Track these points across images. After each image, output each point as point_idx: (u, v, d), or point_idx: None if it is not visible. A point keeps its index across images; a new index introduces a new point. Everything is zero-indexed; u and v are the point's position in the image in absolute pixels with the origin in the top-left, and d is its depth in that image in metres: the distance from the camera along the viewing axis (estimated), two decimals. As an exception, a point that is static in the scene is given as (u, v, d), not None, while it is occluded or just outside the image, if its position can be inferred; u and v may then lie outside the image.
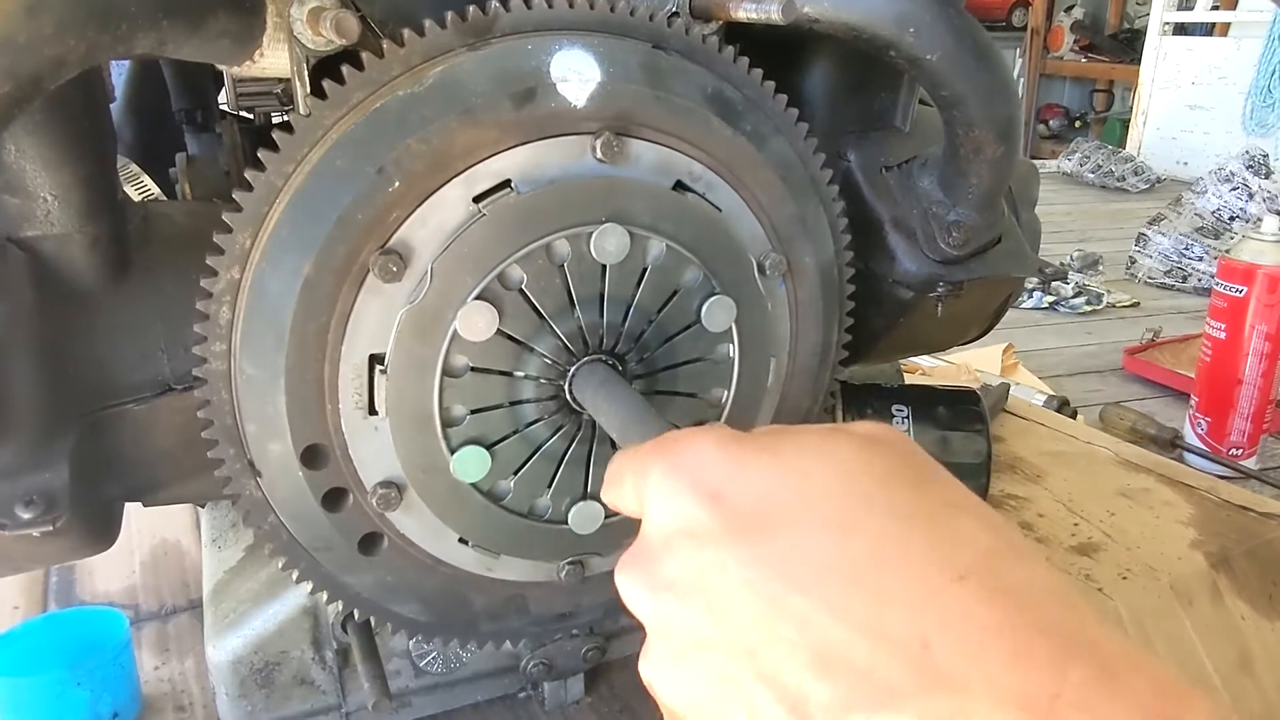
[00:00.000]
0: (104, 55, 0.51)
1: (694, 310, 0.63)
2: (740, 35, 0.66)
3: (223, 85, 0.97)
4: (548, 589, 0.69)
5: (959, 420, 0.85)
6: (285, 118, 0.95)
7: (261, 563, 0.79)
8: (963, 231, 0.79)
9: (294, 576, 0.62)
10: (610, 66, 0.57)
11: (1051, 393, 2.11)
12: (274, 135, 0.54)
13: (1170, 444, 2.07)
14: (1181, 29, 5.79)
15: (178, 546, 1.12)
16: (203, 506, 0.95)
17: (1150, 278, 3.45)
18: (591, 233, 0.57)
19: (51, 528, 0.54)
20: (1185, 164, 5.45)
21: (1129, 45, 7.00)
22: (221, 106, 0.95)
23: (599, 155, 0.57)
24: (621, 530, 0.67)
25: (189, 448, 0.63)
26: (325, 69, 0.56)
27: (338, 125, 0.54)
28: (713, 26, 0.65)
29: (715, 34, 0.64)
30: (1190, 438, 2.10)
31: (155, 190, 0.85)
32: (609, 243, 0.58)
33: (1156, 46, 5.78)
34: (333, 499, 0.59)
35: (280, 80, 0.73)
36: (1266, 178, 3.72)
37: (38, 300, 0.58)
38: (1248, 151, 3.85)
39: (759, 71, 0.65)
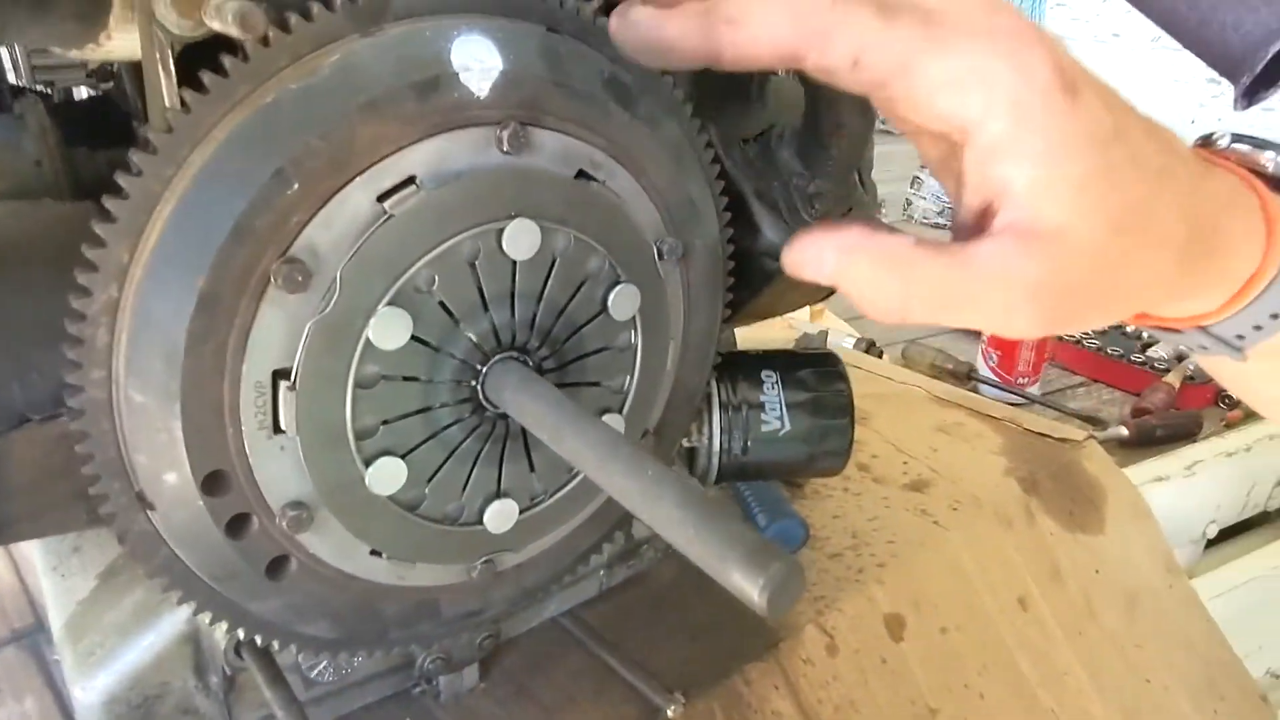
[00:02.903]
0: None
1: (599, 300, 0.62)
2: (608, 10, 0.65)
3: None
4: (459, 589, 0.67)
5: (824, 381, 0.89)
6: (95, 93, 0.85)
7: (122, 591, 0.72)
8: (824, 203, 0.83)
9: (192, 609, 0.57)
10: (510, 53, 0.55)
11: (858, 335, 2.25)
12: (149, 135, 0.48)
13: (966, 376, 2.26)
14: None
15: (-15, 573, 1.00)
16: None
17: (924, 218, 3.73)
18: (502, 228, 0.55)
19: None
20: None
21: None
22: (12, 82, 0.83)
23: (505, 147, 0.55)
24: (531, 526, 0.67)
25: (48, 482, 0.56)
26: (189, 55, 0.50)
27: (223, 122, 0.49)
28: (596, 3, 0.63)
29: (599, 11, 0.63)
30: (983, 370, 2.30)
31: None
32: (522, 239, 0.56)
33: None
34: (236, 525, 0.55)
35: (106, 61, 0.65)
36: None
37: None
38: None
39: (648, 54, 0.64)
